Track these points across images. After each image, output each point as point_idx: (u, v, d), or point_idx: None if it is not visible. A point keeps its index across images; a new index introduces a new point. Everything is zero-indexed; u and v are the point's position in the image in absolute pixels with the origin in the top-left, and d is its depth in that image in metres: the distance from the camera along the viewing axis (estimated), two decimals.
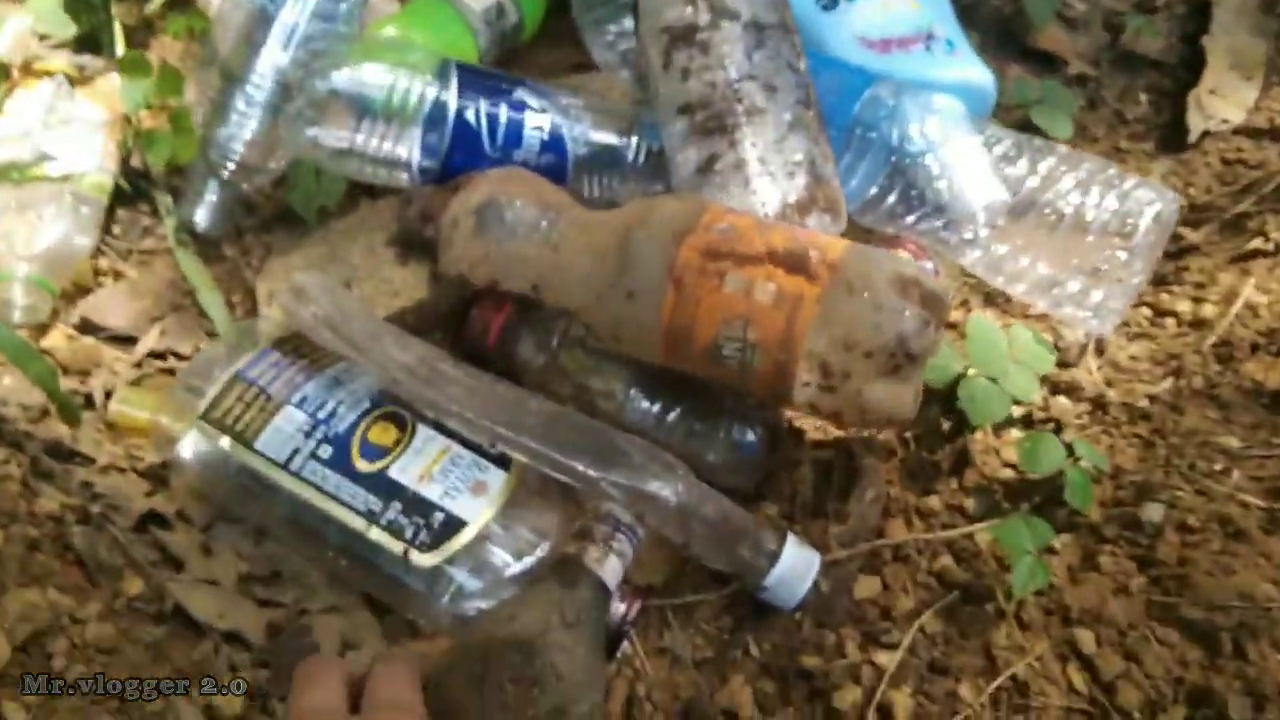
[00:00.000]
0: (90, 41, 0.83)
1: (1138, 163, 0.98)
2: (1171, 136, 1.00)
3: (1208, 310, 0.82)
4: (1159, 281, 0.87)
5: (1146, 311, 0.85)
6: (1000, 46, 1.04)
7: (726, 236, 0.67)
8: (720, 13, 0.78)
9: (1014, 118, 0.97)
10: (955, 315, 0.84)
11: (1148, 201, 0.76)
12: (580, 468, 0.62)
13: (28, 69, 0.77)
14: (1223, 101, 1.00)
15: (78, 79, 0.78)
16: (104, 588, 0.62)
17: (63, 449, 0.67)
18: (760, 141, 0.76)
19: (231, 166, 0.78)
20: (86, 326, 0.74)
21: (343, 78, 0.75)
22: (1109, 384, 0.79)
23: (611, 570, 0.60)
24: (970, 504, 0.72)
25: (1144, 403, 0.77)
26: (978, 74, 0.91)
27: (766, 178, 0.75)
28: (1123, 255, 0.76)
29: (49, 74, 0.77)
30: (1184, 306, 0.84)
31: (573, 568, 0.59)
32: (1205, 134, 0.98)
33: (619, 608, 0.62)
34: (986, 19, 1.05)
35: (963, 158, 0.82)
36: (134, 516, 0.65)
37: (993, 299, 0.86)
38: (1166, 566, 0.66)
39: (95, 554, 0.62)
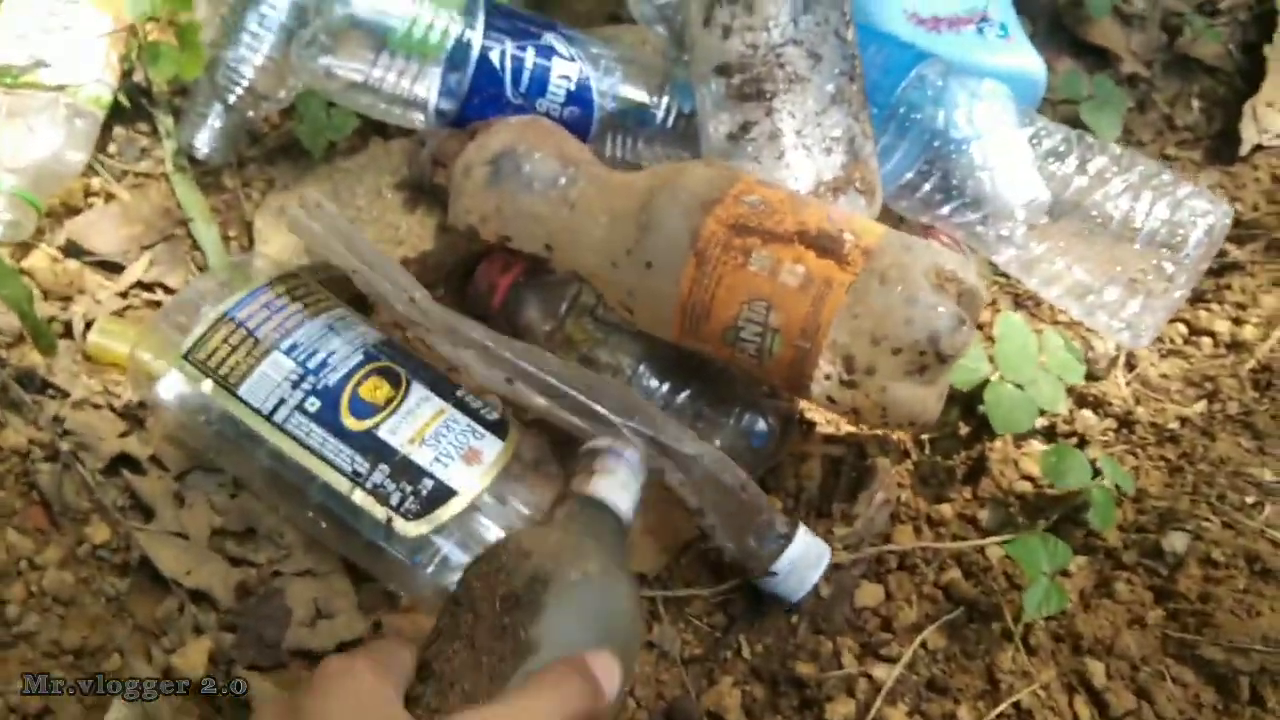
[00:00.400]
0: None
1: (1184, 171, 0.94)
2: (1222, 147, 0.95)
3: (1248, 333, 0.79)
4: (1197, 298, 0.83)
5: (1182, 328, 0.81)
6: (1051, 36, 0.99)
7: (756, 210, 0.63)
8: None
9: (1061, 113, 0.93)
10: (983, 315, 0.80)
11: (1202, 212, 0.72)
12: (602, 410, 0.59)
13: None
14: (1277, 114, 0.95)
15: None
16: (67, 532, 0.58)
17: (35, 379, 0.63)
18: (799, 112, 0.71)
19: (239, 91, 0.74)
20: (71, 249, 0.70)
21: (363, 4, 0.70)
22: (1138, 401, 0.76)
23: (608, 489, 0.56)
24: (984, 515, 0.68)
25: (1174, 424, 0.73)
26: (1030, 62, 0.87)
27: (802, 151, 0.71)
28: (1168, 267, 0.72)
29: None
30: (1222, 326, 0.80)
31: (568, 497, 0.56)
32: (1258, 147, 0.93)
33: None
34: (1040, 5, 1.00)
35: (1007, 150, 0.78)
36: (105, 458, 0.61)
37: (1022, 301, 0.83)
38: (1186, 601, 0.62)
39: (60, 495, 0.58)
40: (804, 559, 0.60)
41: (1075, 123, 0.91)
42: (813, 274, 0.61)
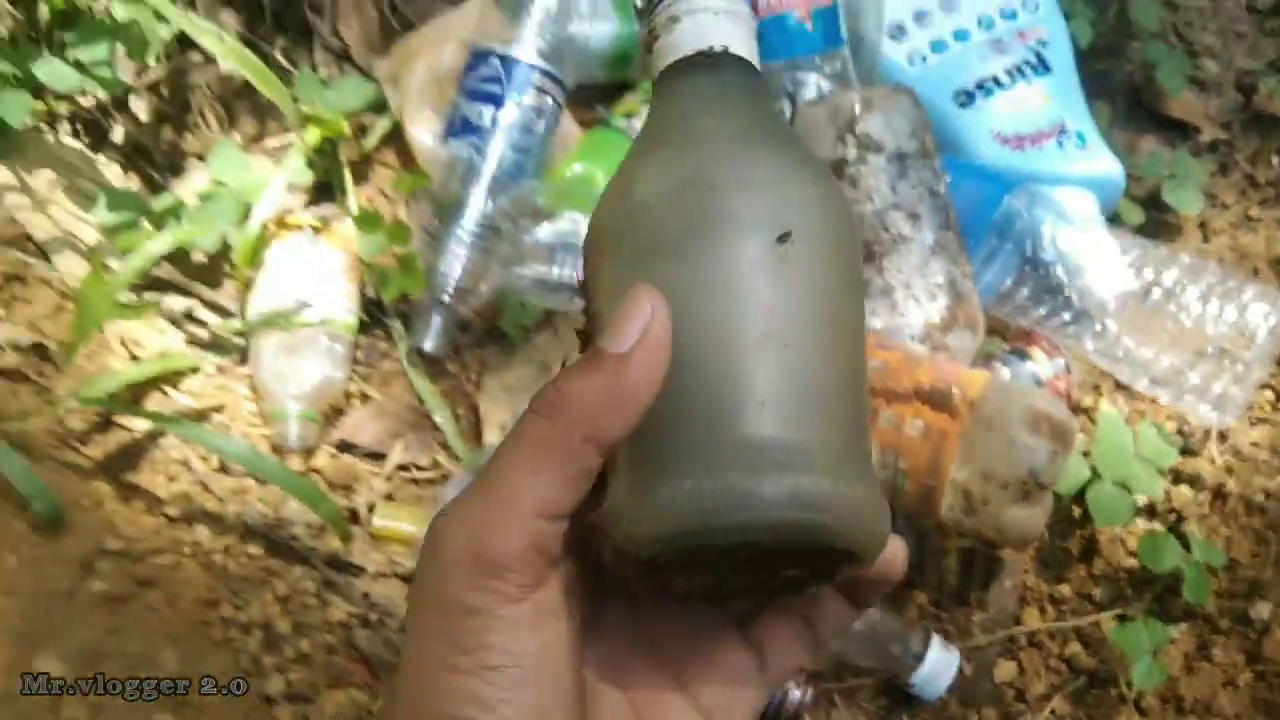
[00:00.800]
0: (326, 188, 0.98)
1: (1267, 231, 1.04)
2: None
3: None
4: None
5: (1270, 395, 0.93)
6: (1132, 116, 1.10)
7: (879, 374, 0.79)
8: (866, 147, 0.88)
9: (1145, 189, 1.04)
10: (1086, 400, 0.93)
11: (1264, 314, 0.84)
12: None
13: (282, 223, 0.92)
14: None
15: (320, 227, 0.93)
16: (387, 682, 0.78)
17: (339, 561, 0.84)
18: (905, 266, 0.86)
19: (450, 294, 0.93)
20: (344, 446, 0.91)
21: (542, 230, 0.88)
22: (1229, 471, 0.88)
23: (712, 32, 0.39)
24: (1098, 591, 0.82)
25: (1260, 496, 0.85)
26: (1107, 165, 0.99)
27: (912, 301, 0.86)
28: (1241, 363, 0.85)
29: (299, 227, 0.92)
30: None
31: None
32: None
33: (795, 694, 0.75)
34: (1119, 87, 1.11)
35: (1091, 253, 0.91)
36: (402, 619, 0.81)
37: (1122, 384, 0.95)
38: (1273, 664, 0.75)
39: (378, 653, 0.79)
40: (936, 670, 0.76)
41: (1159, 201, 1.02)
42: (931, 426, 0.76)
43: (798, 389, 0.34)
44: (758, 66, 0.41)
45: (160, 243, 0.83)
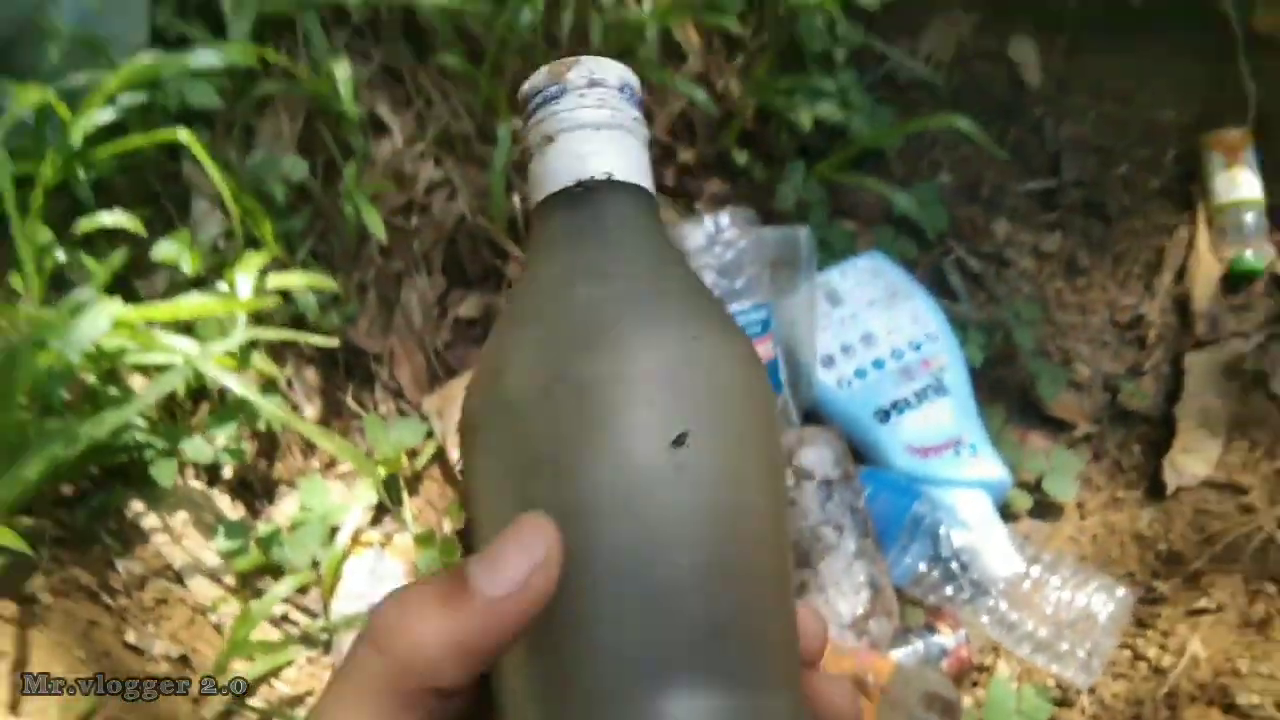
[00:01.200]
0: (384, 505, 1.26)
1: (1130, 510, 1.31)
2: (1157, 485, 1.33)
3: (1166, 660, 1.15)
4: (1141, 624, 1.20)
5: (1128, 654, 1.18)
6: (1022, 415, 1.39)
7: None
8: (801, 475, 1.16)
9: (1034, 476, 1.32)
10: (987, 659, 1.19)
11: (1103, 603, 1.11)
12: None
13: (355, 540, 1.20)
14: (1192, 458, 1.32)
15: (385, 542, 1.21)
16: None
17: None
18: (834, 569, 1.13)
19: None
20: None
21: None
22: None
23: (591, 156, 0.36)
24: None
25: None
26: (996, 470, 1.27)
27: (840, 597, 1.13)
28: (1091, 639, 1.11)
29: (369, 543, 1.20)
30: (1152, 653, 1.17)
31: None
32: (1179, 489, 1.30)
33: None
34: (1010, 393, 1.40)
35: (984, 544, 1.18)
36: None
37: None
38: None
39: None
40: None
41: (1040, 489, 1.30)
42: None
43: (706, 641, 0.29)
44: (649, 187, 0.36)
45: (283, 585, 1.10)
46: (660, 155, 1.44)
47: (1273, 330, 1.39)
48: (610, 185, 0.35)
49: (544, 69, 0.36)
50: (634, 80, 0.38)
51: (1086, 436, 1.38)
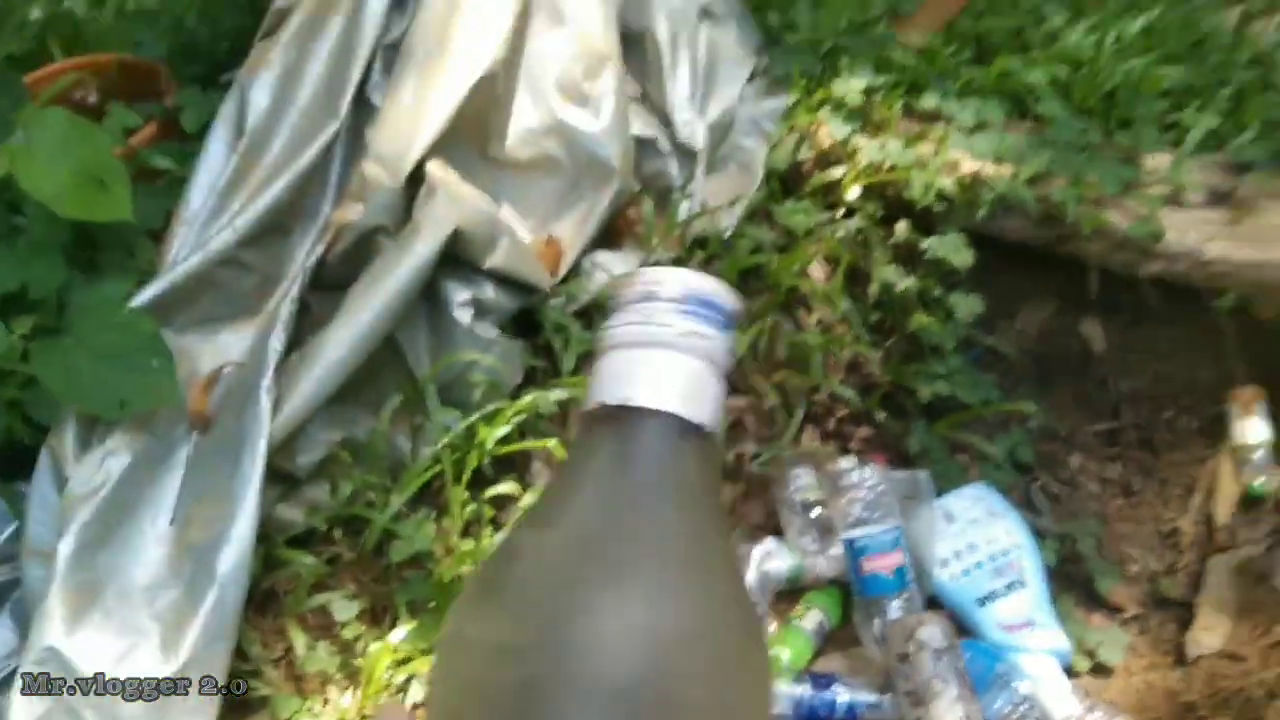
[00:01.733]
0: None
1: (1163, 672, 1.86)
2: (1183, 654, 1.87)
3: None
4: None
5: None
6: (1088, 601, 1.96)
7: None
8: (920, 645, 1.79)
9: (1091, 646, 1.88)
10: None
11: None
12: None
13: None
14: (1209, 634, 1.86)
15: None
16: None
17: None
18: (940, 709, 1.74)
19: None
20: None
21: None
22: None
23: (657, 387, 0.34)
24: None
25: None
26: (1061, 642, 1.84)
27: None
28: None
29: None
30: None
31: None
32: (1199, 657, 1.85)
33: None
34: (1079, 583, 1.97)
35: (1049, 693, 1.77)
36: None
37: None
38: None
39: None
40: None
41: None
42: None
43: None
44: (681, 409, 0.31)
45: None
46: (824, 410, 2.10)
47: (1276, 539, 1.93)
48: (628, 412, 0.31)
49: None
50: (704, 287, 0.33)
51: (1134, 616, 1.94)
